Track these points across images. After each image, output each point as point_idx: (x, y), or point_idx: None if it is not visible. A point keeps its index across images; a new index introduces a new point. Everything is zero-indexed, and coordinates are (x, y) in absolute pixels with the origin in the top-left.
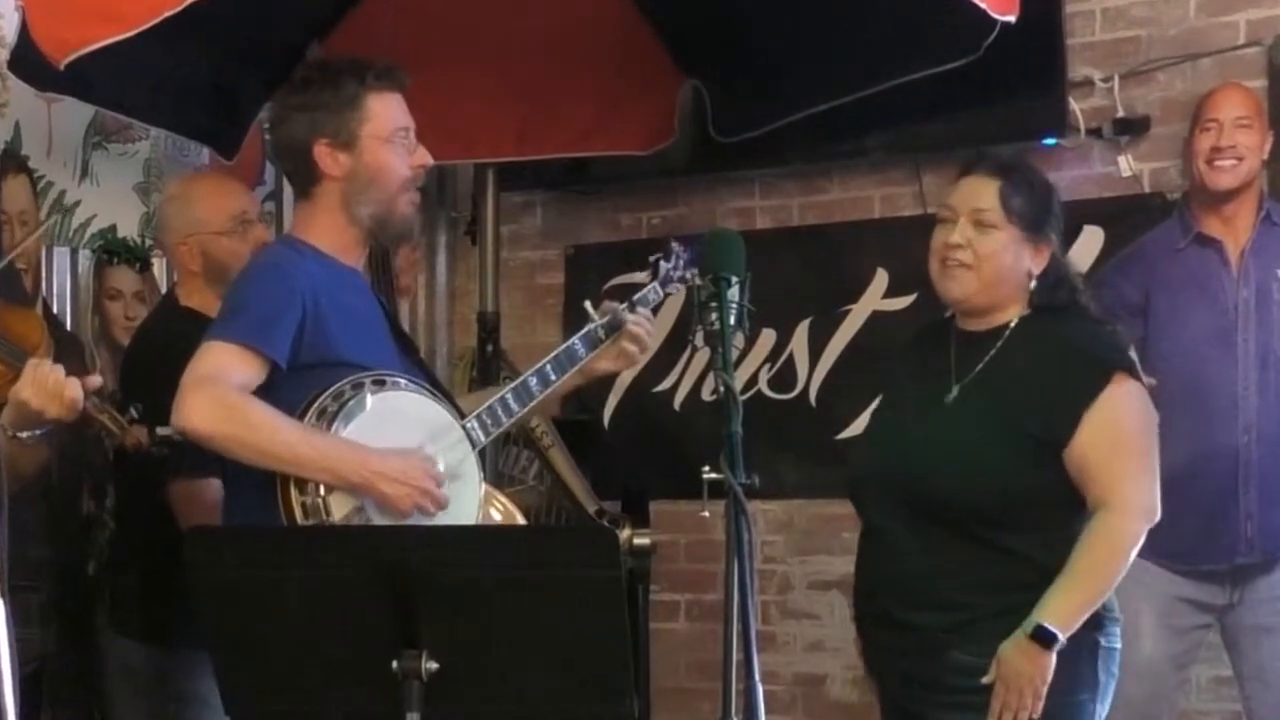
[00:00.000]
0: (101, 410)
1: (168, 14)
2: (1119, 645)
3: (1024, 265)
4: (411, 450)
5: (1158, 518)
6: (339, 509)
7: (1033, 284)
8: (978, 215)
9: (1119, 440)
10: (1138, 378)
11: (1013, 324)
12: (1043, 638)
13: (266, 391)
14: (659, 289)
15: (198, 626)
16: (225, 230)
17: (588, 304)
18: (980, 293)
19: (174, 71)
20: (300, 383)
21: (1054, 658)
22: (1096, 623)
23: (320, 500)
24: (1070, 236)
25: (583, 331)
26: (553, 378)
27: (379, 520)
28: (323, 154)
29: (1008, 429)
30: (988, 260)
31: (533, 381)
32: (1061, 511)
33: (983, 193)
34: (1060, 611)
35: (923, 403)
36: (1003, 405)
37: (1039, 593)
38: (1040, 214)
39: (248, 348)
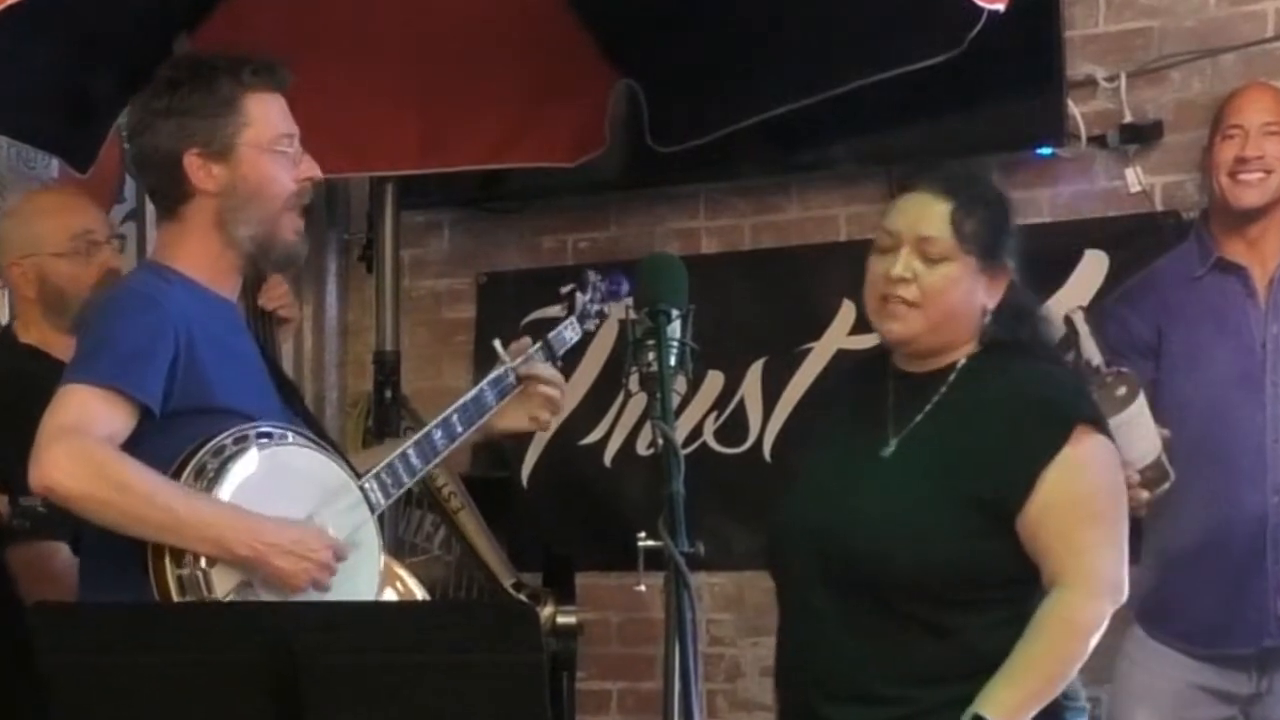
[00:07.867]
0: None
1: (9, 3)
2: None
3: (978, 299)
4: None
5: (1124, 597)
6: (222, 584)
7: (986, 319)
8: (925, 246)
9: (1079, 505)
10: (1105, 432)
11: (960, 364)
12: None
13: (133, 444)
14: (577, 326)
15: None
16: (64, 251)
17: (497, 343)
18: (928, 333)
19: (16, 70)
20: (172, 433)
21: None
22: (1053, 712)
23: (200, 574)
24: (1070, 262)
25: (492, 376)
26: (459, 430)
27: (268, 598)
28: (193, 166)
29: (949, 491)
30: (938, 297)
31: (437, 435)
32: (1011, 588)
33: (931, 217)
34: (1004, 702)
35: (854, 457)
36: (944, 462)
37: (984, 684)
38: (997, 237)
39: (114, 391)
